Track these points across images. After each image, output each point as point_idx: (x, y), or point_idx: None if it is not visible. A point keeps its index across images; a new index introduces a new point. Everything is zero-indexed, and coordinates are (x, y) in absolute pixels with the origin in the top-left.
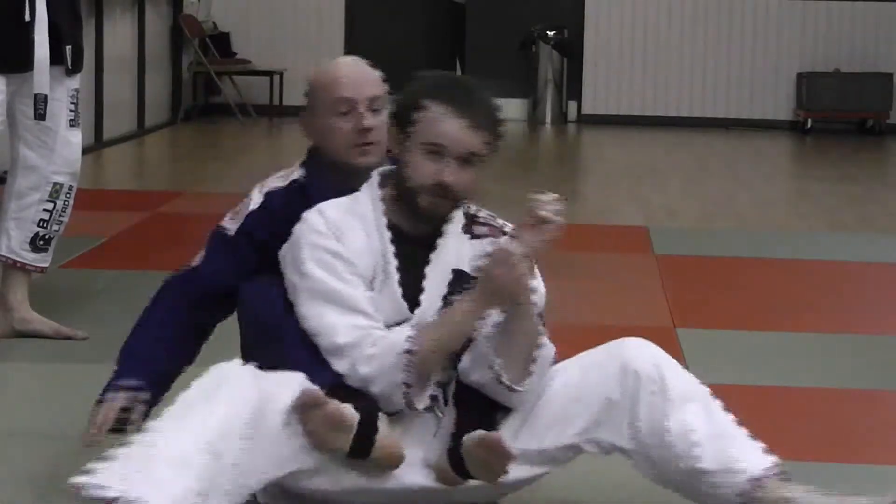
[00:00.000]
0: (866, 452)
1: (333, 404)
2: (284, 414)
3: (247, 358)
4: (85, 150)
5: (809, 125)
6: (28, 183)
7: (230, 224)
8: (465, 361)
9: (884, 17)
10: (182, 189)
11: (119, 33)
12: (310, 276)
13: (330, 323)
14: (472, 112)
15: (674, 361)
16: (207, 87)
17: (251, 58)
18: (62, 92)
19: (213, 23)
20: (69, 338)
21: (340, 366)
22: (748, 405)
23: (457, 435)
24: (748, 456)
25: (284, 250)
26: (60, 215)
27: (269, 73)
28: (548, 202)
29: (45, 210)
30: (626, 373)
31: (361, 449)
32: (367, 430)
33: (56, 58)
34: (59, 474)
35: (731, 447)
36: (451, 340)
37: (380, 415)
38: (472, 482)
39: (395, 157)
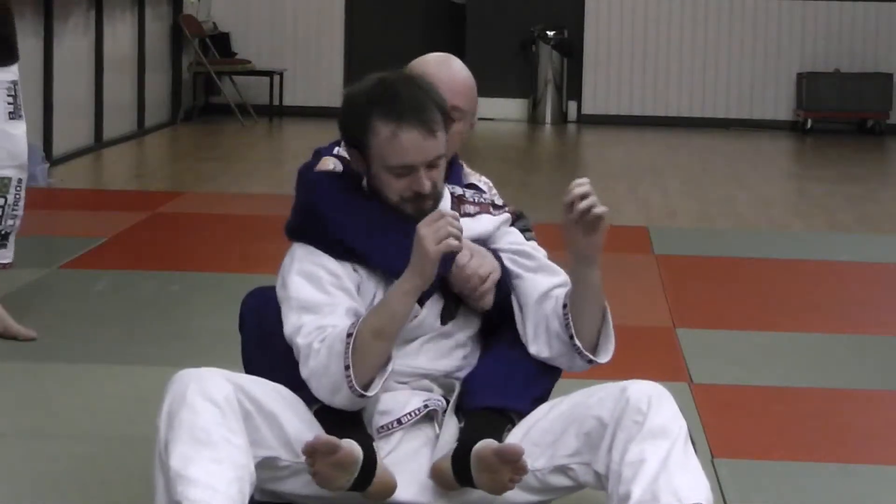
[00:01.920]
0: (866, 452)
1: (345, 450)
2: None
3: (247, 367)
4: (85, 151)
5: (809, 125)
6: None
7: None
8: (531, 343)
9: (884, 17)
10: (182, 189)
11: (119, 33)
12: (290, 287)
13: (298, 325)
14: (422, 120)
15: (671, 402)
16: (207, 87)
17: (251, 58)
18: None
19: (213, 23)
20: (14, 337)
21: (303, 372)
22: (747, 405)
23: (465, 441)
24: (675, 492)
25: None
26: (13, 209)
27: (269, 74)
28: (585, 193)
29: None
30: (620, 398)
31: (361, 484)
32: (368, 467)
33: None
34: (51, 474)
35: (667, 483)
36: (388, 320)
37: (375, 445)
38: (466, 490)
39: (354, 163)
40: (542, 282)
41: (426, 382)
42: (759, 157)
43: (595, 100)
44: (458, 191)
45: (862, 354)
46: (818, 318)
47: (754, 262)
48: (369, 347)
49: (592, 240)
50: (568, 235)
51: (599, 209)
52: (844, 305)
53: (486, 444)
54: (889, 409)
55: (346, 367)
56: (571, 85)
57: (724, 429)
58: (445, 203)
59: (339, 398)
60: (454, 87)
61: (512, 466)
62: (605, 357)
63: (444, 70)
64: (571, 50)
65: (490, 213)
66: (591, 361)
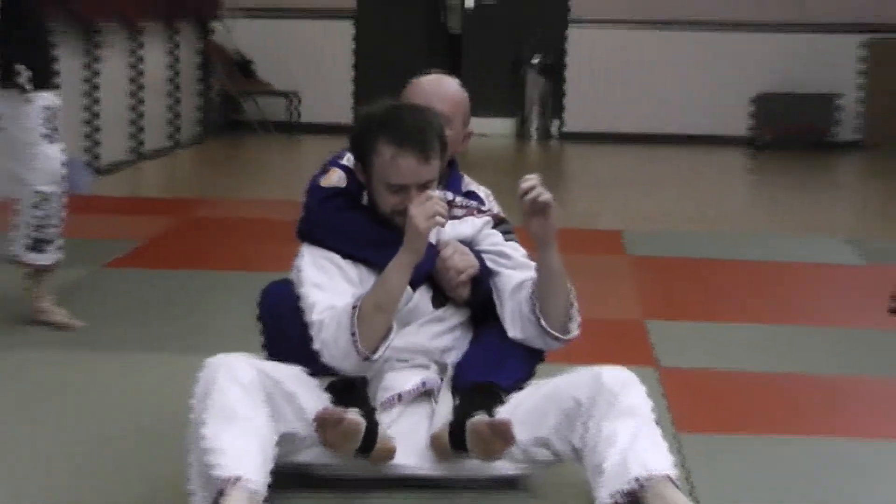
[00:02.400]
0: (812, 427)
1: (349, 420)
2: (282, 383)
3: (266, 351)
4: (126, 163)
5: (765, 141)
6: (19, 194)
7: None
8: (509, 328)
9: (829, 46)
10: (211, 196)
11: (156, 59)
12: (304, 274)
13: (312, 301)
14: (421, 147)
15: (640, 387)
16: (233, 106)
17: (271, 81)
18: (28, 111)
19: (239, 50)
20: (65, 327)
21: (315, 343)
22: (708, 387)
23: (460, 415)
24: (643, 462)
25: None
26: (52, 219)
27: (287, 95)
28: (532, 186)
29: (35, 216)
30: (595, 382)
31: (365, 449)
32: (370, 435)
33: (7, 79)
34: (92, 450)
35: (636, 455)
36: (386, 294)
37: (377, 416)
38: (460, 459)
39: (358, 174)
40: (517, 276)
41: (424, 360)
42: (721, 168)
43: (576, 118)
44: (449, 196)
45: (809, 342)
46: (773, 311)
47: (716, 262)
48: (372, 317)
49: (545, 224)
50: (526, 224)
51: (545, 196)
52: (796, 300)
53: (480, 418)
54: (831, 390)
55: (353, 334)
56: (555, 105)
57: (686, 407)
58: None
59: (349, 363)
60: (440, 95)
61: (502, 437)
62: (571, 334)
63: (435, 84)
64: (555, 74)
65: (475, 216)
66: (558, 339)
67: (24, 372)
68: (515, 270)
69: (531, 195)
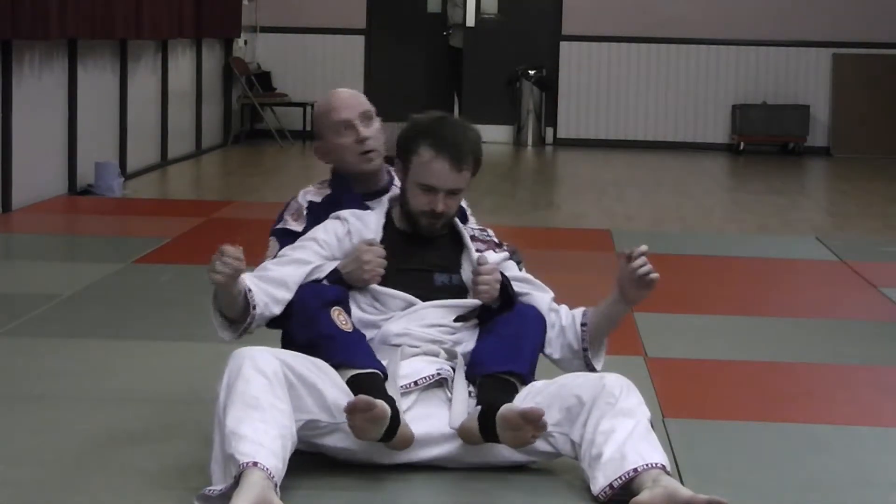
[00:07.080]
0: (787, 413)
1: (379, 407)
2: (302, 374)
3: (286, 340)
4: (152, 168)
5: (742, 147)
6: None
7: (295, 225)
8: (547, 348)
9: (802, 59)
10: (232, 199)
11: (181, 72)
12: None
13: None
14: (457, 156)
15: (638, 393)
16: (252, 115)
17: (288, 92)
18: None
19: (258, 63)
20: None
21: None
22: (692, 375)
23: (486, 404)
24: (640, 454)
25: None
26: None
27: (303, 105)
28: (646, 262)
29: None
30: (599, 384)
31: (387, 436)
32: (394, 423)
33: None
34: (124, 430)
35: (633, 447)
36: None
37: (397, 405)
38: (484, 446)
39: (397, 173)
40: (543, 297)
41: (434, 347)
42: (702, 173)
43: (568, 126)
44: (472, 231)
45: (785, 334)
46: (750, 304)
47: (699, 259)
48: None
49: (642, 293)
50: (622, 282)
51: (654, 275)
52: (772, 293)
53: (510, 408)
54: (806, 378)
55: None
56: (549, 114)
57: (672, 394)
58: (465, 238)
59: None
60: (359, 100)
61: (534, 425)
62: (600, 365)
63: (342, 92)
64: (548, 85)
65: (494, 250)
66: (593, 369)
67: (61, 357)
68: (543, 293)
69: (644, 270)
